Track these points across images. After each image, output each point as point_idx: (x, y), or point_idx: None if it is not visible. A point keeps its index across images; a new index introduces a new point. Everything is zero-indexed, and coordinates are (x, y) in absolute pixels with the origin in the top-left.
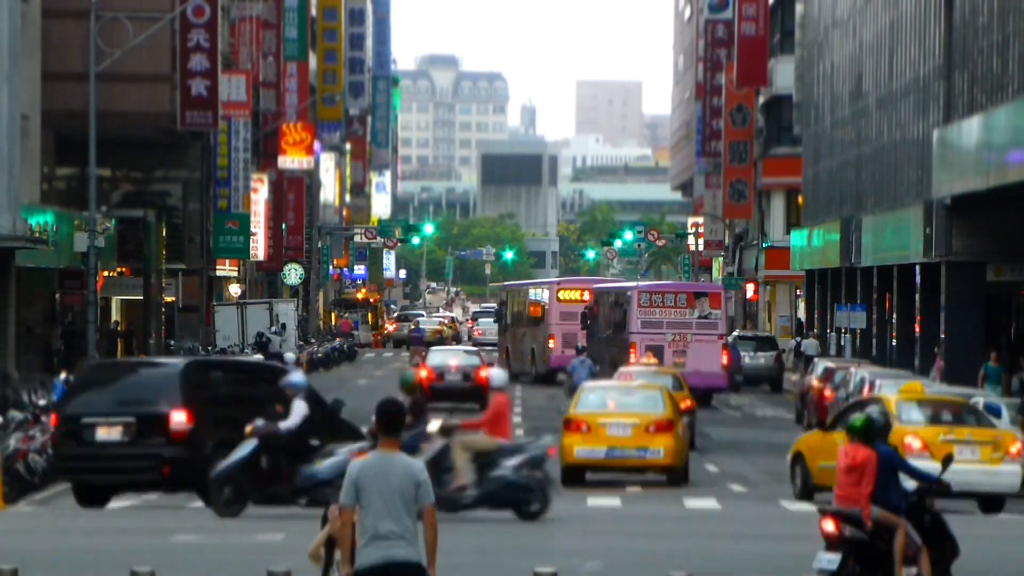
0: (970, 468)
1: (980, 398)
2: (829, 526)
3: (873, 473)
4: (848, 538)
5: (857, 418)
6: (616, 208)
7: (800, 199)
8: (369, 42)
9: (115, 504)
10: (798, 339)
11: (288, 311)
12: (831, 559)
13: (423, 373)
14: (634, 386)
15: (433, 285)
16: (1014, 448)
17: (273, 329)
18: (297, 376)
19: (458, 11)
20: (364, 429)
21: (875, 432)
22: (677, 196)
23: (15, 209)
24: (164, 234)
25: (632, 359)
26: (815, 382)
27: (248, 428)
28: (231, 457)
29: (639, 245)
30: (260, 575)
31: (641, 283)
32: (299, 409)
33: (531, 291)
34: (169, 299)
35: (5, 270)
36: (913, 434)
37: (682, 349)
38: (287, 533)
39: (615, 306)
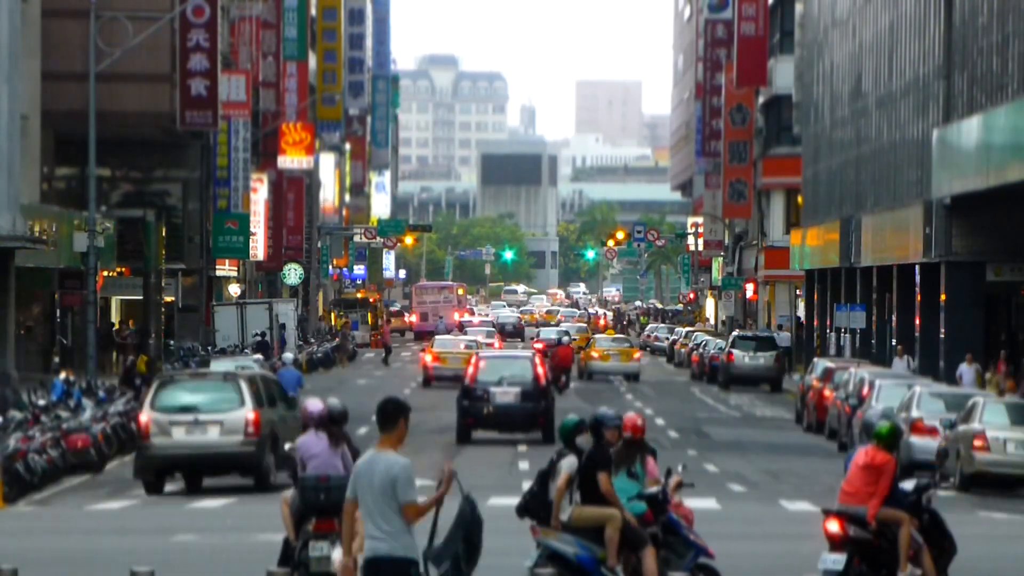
0: (617, 364)
1: (980, 398)
2: (834, 526)
3: (891, 478)
4: (853, 538)
5: (883, 425)
6: (616, 208)
7: (800, 199)
8: (369, 42)
9: (114, 504)
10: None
11: (288, 311)
12: (836, 559)
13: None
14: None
15: None
16: (637, 355)
17: (282, 335)
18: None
19: (458, 11)
20: None
21: (899, 440)
22: (677, 196)
23: (15, 209)
24: (164, 234)
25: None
26: (814, 382)
27: None
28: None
29: (639, 245)
30: (260, 575)
31: (421, 282)
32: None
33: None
34: (169, 299)
35: (5, 270)
36: (593, 350)
37: (439, 315)
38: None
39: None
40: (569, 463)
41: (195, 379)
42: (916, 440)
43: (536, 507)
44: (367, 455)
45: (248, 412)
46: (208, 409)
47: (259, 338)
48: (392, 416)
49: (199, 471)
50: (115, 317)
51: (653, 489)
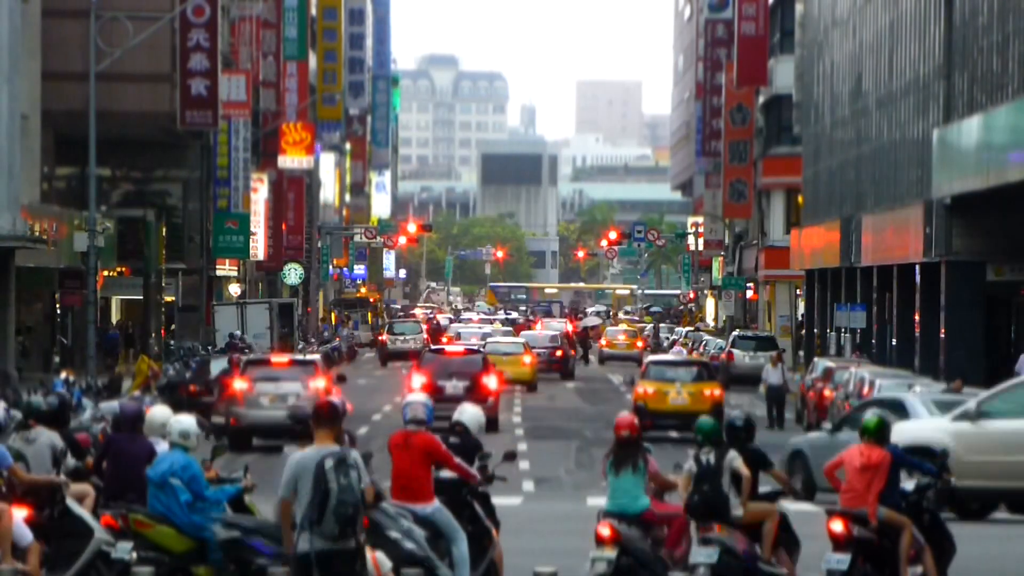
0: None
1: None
2: (838, 526)
3: (886, 474)
4: (857, 538)
5: (871, 419)
6: (616, 208)
7: (800, 199)
8: (369, 42)
9: None
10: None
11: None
12: (840, 559)
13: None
14: None
15: (433, 285)
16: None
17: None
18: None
19: (458, 11)
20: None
21: (888, 432)
22: (677, 196)
23: (15, 209)
24: (164, 234)
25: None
26: (816, 382)
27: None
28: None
29: (639, 244)
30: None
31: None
32: None
33: None
34: (169, 299)
35: (5, 270)
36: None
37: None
38: None
39: None
40: (739, 459)
41: (403, 321)
42: None
43: (718, 506)
44: (309, 451)
45: (424, 334)
46: (409, 333)
47: (229, 339)
48: (330, 412)
49: (403, 359)
50: (115, 318)
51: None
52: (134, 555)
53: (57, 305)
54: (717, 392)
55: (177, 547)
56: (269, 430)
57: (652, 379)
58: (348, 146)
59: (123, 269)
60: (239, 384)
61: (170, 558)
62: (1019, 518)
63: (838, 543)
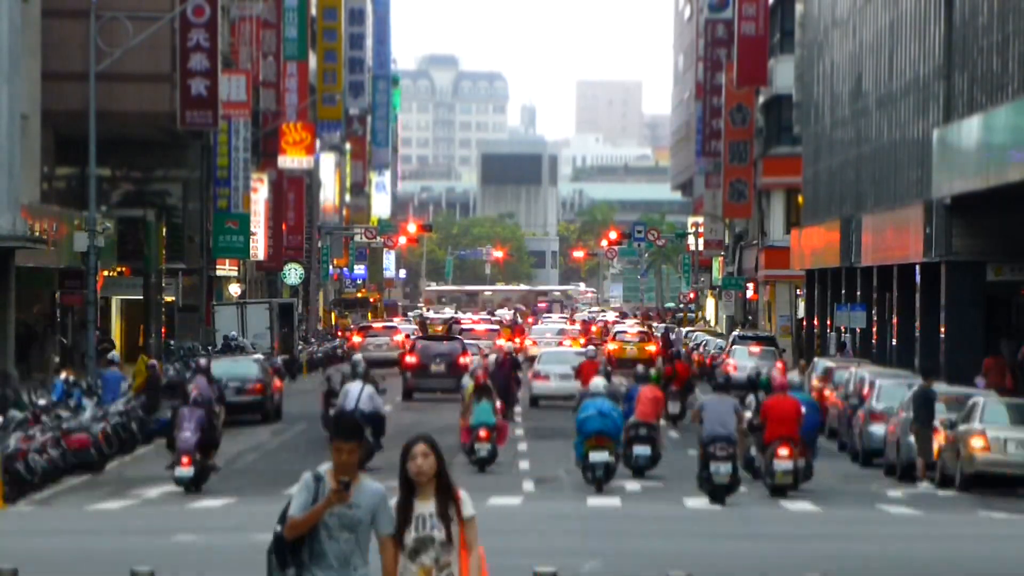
0: None
1: (980, 398)
2: None
3: None
4: None
5: None
6: (616, 208)
7: (800, 199)
8: (369, 42)
9: (114, 504)
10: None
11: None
12: None
13: None
14: None
15: (433, 285)
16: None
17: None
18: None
19: (458, 11)
20: None
21: None
22: (677, 196)
23: (15, 209)
24: (164, 234)
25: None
26: (815, 382)
27: None
28: None
29: (639, 244)
30: (260, 575)
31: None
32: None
33: None
34: (169, 299)
35: (5, 270)
36: None
37: None
38: None
39: None
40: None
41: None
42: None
43: None
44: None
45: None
46: None
47: (225, 340)
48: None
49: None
50: (115, 317)
51: None
52: None
53: (57, 305)
54: None
55: None
56: (373, 363)
57: None
58: (348, 146)
59: (123, 269)
60: (357, 338)
61: None
62: (1019, 517)
63: None
